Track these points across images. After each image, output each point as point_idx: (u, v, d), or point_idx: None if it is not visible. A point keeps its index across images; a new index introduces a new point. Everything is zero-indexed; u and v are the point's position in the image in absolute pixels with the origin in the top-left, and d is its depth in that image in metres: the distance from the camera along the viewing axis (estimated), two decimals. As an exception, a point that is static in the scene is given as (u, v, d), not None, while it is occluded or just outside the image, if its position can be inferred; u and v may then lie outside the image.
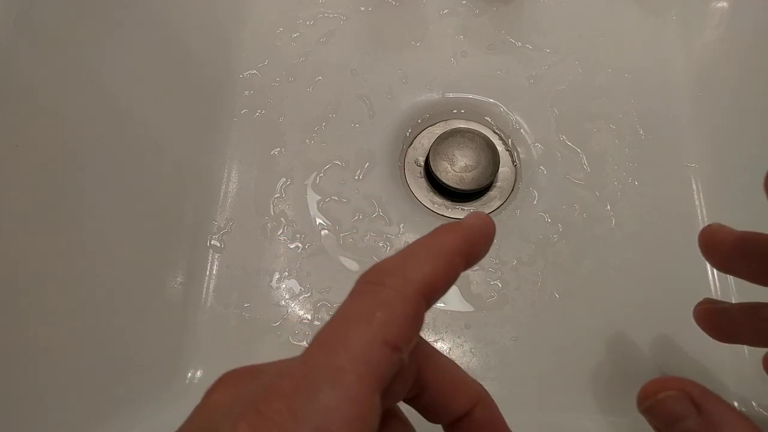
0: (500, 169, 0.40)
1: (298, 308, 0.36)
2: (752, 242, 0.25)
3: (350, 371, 0.15)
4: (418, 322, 0.17)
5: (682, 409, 0.23)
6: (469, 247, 0.19)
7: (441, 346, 0.35)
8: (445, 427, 0.22)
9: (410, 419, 0.21)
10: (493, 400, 0.22)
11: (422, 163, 0.41)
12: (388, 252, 0.37)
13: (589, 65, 0.43)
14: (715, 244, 0.26)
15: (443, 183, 0.39)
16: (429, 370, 0.20)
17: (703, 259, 0.27)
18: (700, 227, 0.39)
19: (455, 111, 0.42)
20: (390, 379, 0.16)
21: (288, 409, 0.14)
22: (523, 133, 0.41)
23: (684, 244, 0.37)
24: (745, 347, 0.35)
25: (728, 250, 0.26)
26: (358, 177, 0.39)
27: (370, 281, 0.17)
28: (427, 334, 0.36)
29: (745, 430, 0.22)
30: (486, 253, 0.21)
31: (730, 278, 0.37)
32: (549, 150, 0.40)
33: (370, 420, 0.15)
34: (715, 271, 0.37)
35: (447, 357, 0.21)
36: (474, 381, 0.21)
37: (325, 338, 0.16)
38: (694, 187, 0.40)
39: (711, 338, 0.29)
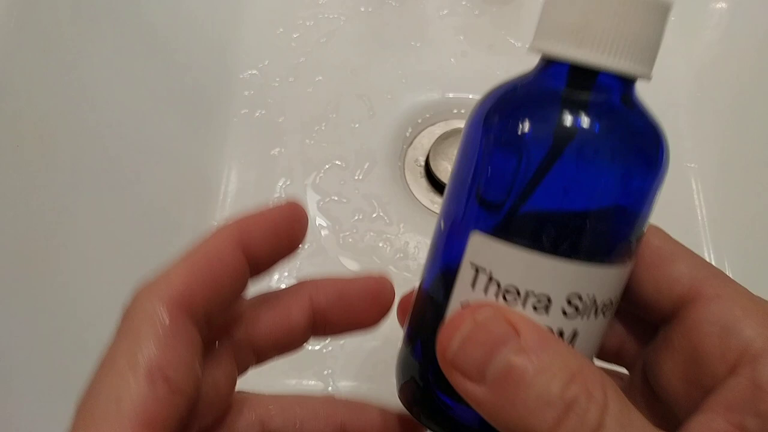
0: (500, 169, 0.40)
1: (298, 308, 0.36)
2: None
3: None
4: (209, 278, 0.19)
5: (501, 330, 0.16)
6: (245, 229, 0.20)
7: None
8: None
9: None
10: (317, 280, 0.22)
11: (422, 163, 0.41)
12: (388, 252, 0.37)
13: (589, 65, 0.43)
14: None
15: (443, 183, 0.39)
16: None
17: None
18: (700, 227, 0.39)
19: (455, 111, 0.42)
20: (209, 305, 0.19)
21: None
22: (523, 133, 0.41)
23: (683, 243, 0.37)
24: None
25: None
26: (358, 177, 0.39)
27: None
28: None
29: (565, 354, 0.16)
30: (294, 234, 0.21)
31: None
32: (549, 150, 0.40)
33: (170, 330, 0.17)
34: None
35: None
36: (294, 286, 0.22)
37: None
38: (694, 187, 0.40)
39: None
